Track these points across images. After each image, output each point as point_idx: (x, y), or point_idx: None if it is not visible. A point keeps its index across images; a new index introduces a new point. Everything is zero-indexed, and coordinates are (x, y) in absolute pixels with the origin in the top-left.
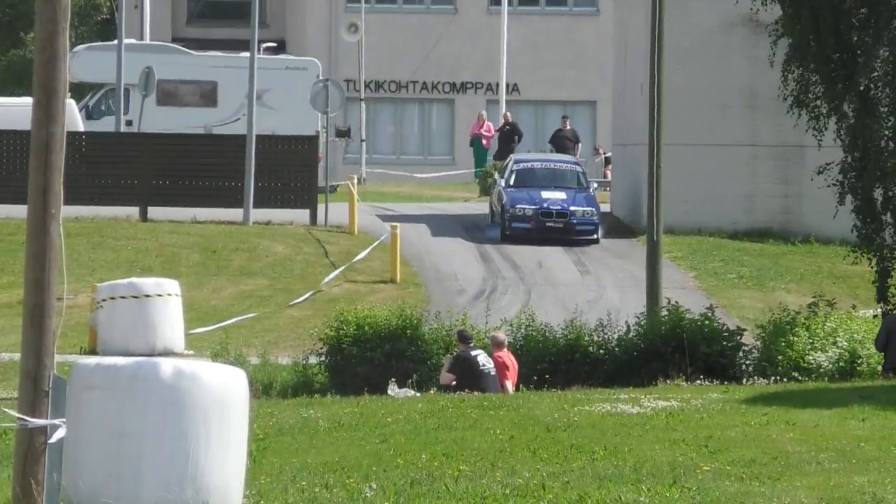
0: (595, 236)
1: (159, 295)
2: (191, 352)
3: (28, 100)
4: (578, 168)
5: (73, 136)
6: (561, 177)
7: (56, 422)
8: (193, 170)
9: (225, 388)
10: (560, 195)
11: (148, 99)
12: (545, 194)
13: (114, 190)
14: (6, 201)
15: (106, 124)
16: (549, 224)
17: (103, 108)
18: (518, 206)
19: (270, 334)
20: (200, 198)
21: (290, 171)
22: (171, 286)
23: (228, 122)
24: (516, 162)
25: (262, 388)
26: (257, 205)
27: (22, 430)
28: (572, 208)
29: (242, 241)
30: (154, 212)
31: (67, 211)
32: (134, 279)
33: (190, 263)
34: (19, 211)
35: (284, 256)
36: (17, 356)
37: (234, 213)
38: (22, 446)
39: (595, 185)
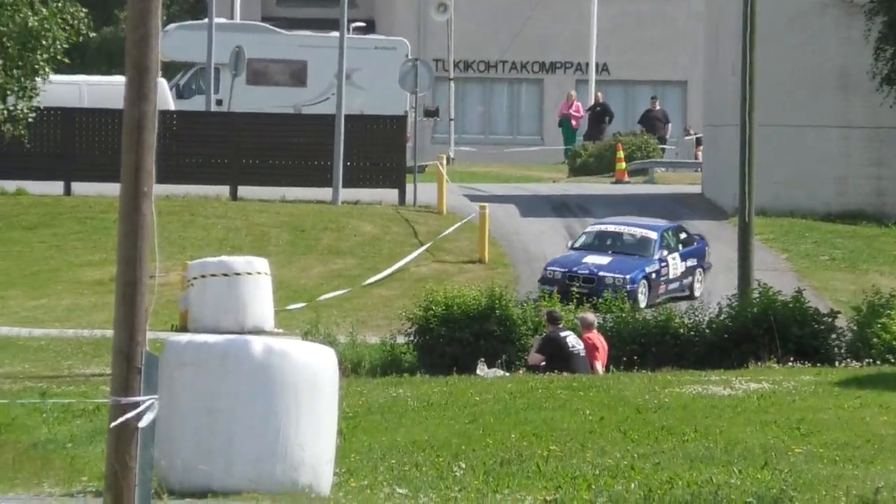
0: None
1: (249, 273)
2: (281, 330)
3: (120, 78)
4: (653, 234)
5: (165, 115)
6: (629, 242)
7: (148, 398)
8: (283, 149)
9: (315, 367)
10: (603, 260)
11: (238, 78)
12: (589, 258)
13: (204, 169)
14: (99, 179)
15: (196, 103)
16: (573, 289)
17: (194, 87)
18: (550, 267)
19: (359, 313)
20: (290, 177)
21: (379, 151)
22: (261, 265)
23: (317, 102)
24: (594, 224)
25: (350, 367)
26: (346, 184)
27: (115, 407)
28: (601, 274)
29: (331, 220)
30: (244, 191)
31: (159, 189)
32: (224, 257)
33: (279, 242)
34: (112, 189)
35: (373, 236)
36: (109, 333)
37: (323, 193)
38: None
39: (671, 253)
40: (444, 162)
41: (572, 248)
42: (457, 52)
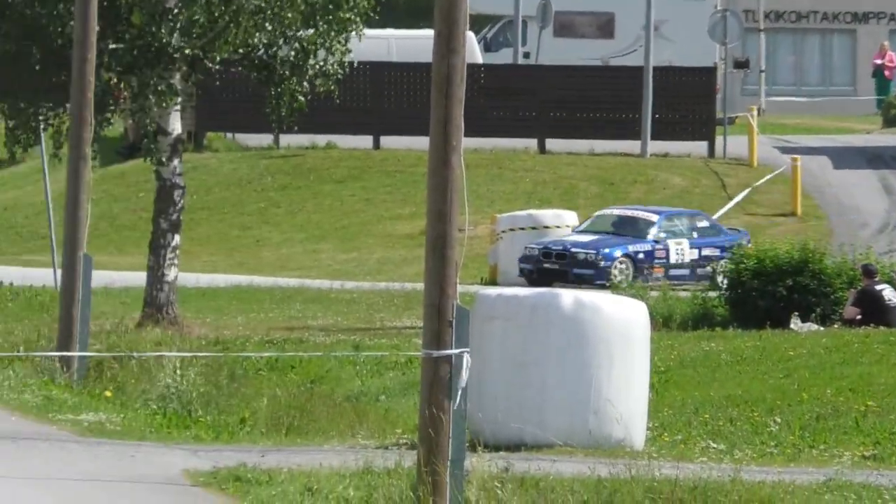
0: (597, 282)
1: (558, 226)
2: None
3: (428, 32)
4: (653, 217)
5: (472, 69)
6: (627, 225)
7: (460, 351)
8: (590, 101)
9: (626, 320)
10: (584, 238)
11: (545, 30)
12: (572, 237)
13: (512, 122)
14: (407, 133)
15: (504, 56)
16: (545, 265)
17: (501, 39)
18: (530, 245)
19: None
20: (597, 129)
21: (688, 103)
22: (570, 218)
23: (625, 54)
24: (602, 210)
25: (661, 321)
26: (654, 137)
27: (427, 360)
28: (574, 250)
29: (640, 173)
30: (551, 143)
31: (467, 143)
32: (533, 211)
33: (588, 195)
34: (420, 143)
35: (682, 188)
36: (419, 286)
37: (632, 145)
38: (427, 375)
39: (677, 238)
40: (755, 114)
41: (573, 230)
42: (767, 2)
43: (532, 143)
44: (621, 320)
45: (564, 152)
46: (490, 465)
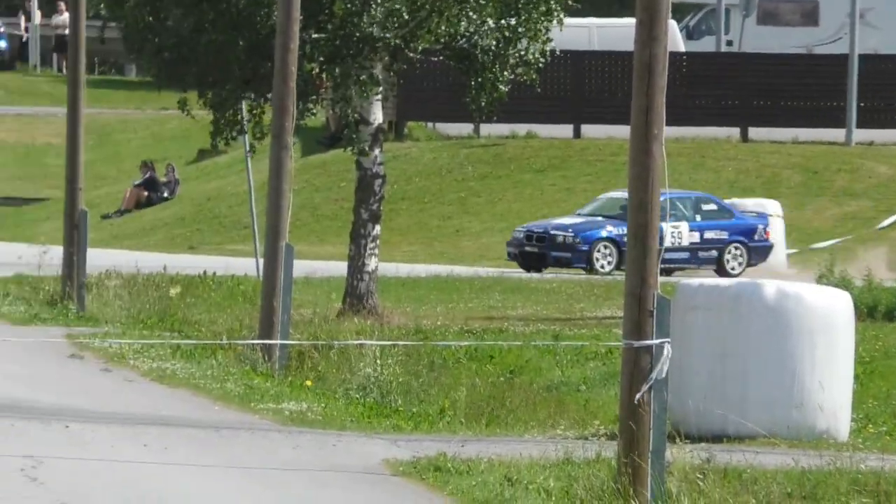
0: (576, 265)
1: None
2: (794, 272)
3: (630, 20)
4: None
5: (674, 57)
6: (623, 207)
7: (661, 341)
8: (794, 90)
9: (830, 310)
10: (570, 220)
11: (748, 19)
12: (559, 219)
13: (714, 110)
14: (608, 122)
15: (706, 44)
16: (527, 248)
17: (703, 28)
18: (518, 228)
19: (879, 256)
20: (801, 118)
21: (894, 91)
22: (773, 207)
23: (830, 42)
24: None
25: (866, 311)
26: (860, 125)
27: (628, 350)
28: (553, 232)
29: (845, 161)
30: (754, 132)
31: (668, 131)
32: (736, 200)
33: (791, 184)
34: (621, 131)
35: (888, 177)
36: (619, 277)
37: (836, 134)
38: (628, 365)
39: (676, 221)
40: None
41: (576, 213)
42: None
43: (734, 131)
44: (824, 309)
45: (767, 141)
46: (691, 457)
